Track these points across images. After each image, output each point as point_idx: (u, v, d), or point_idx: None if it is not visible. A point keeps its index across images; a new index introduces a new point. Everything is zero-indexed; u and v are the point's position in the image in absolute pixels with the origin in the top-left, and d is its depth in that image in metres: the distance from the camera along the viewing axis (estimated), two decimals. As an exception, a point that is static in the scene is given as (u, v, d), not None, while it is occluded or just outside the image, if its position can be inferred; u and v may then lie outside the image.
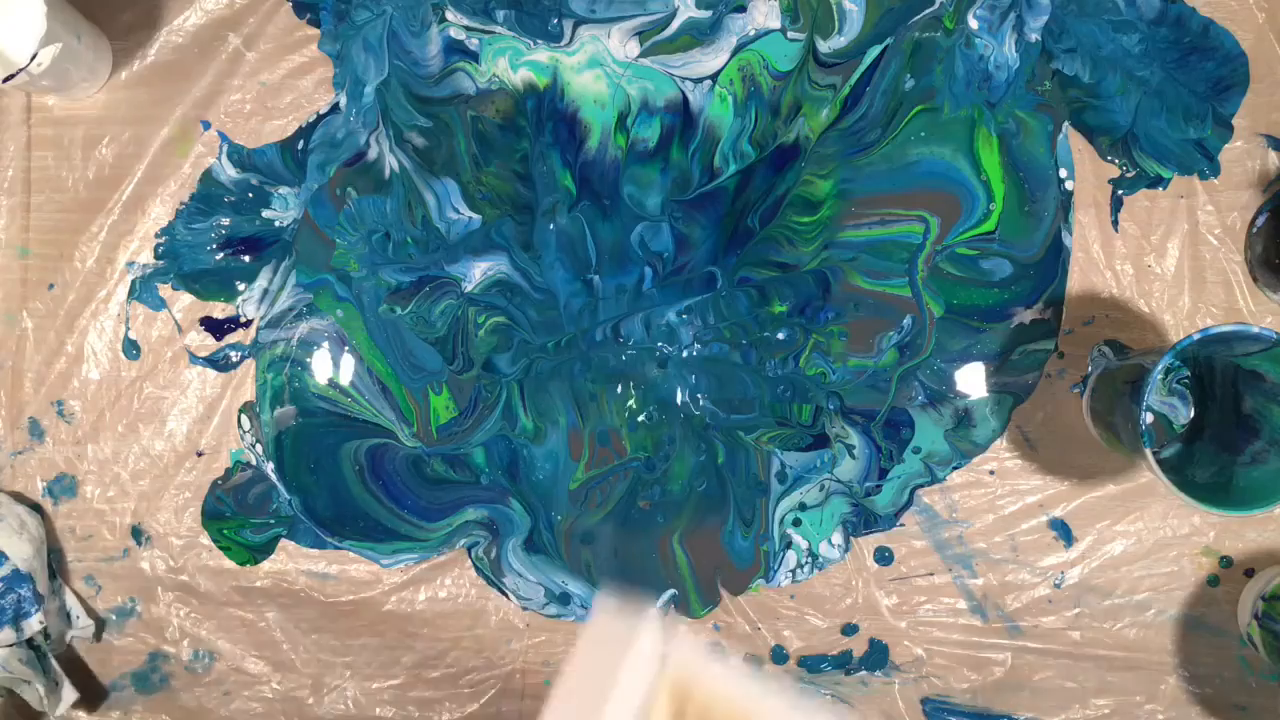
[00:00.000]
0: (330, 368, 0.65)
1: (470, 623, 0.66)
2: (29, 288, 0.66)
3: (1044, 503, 0.65)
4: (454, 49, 0.64)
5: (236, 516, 0.66)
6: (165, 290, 0.65)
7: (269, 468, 0.66)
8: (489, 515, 0.66)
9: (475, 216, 0.65)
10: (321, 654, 0.66)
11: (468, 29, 0.64)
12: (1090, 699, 0.65)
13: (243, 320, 0.66)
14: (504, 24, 0.64)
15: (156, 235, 0.65)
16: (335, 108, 0.65)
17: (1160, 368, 0.55)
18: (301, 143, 0.65)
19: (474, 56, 0.64)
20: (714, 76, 0.64)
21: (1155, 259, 0.65)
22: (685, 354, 0.65)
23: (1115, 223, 0.65)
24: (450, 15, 0.64)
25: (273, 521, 0.66)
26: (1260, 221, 0.64)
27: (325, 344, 0.65)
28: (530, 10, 0.64)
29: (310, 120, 0.65)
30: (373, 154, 0.65)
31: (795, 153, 0.64)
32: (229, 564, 0.66)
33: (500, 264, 0.65)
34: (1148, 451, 0.55)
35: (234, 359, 0.66)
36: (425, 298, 0.65)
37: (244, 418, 0.66)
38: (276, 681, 0.66)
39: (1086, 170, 0.65)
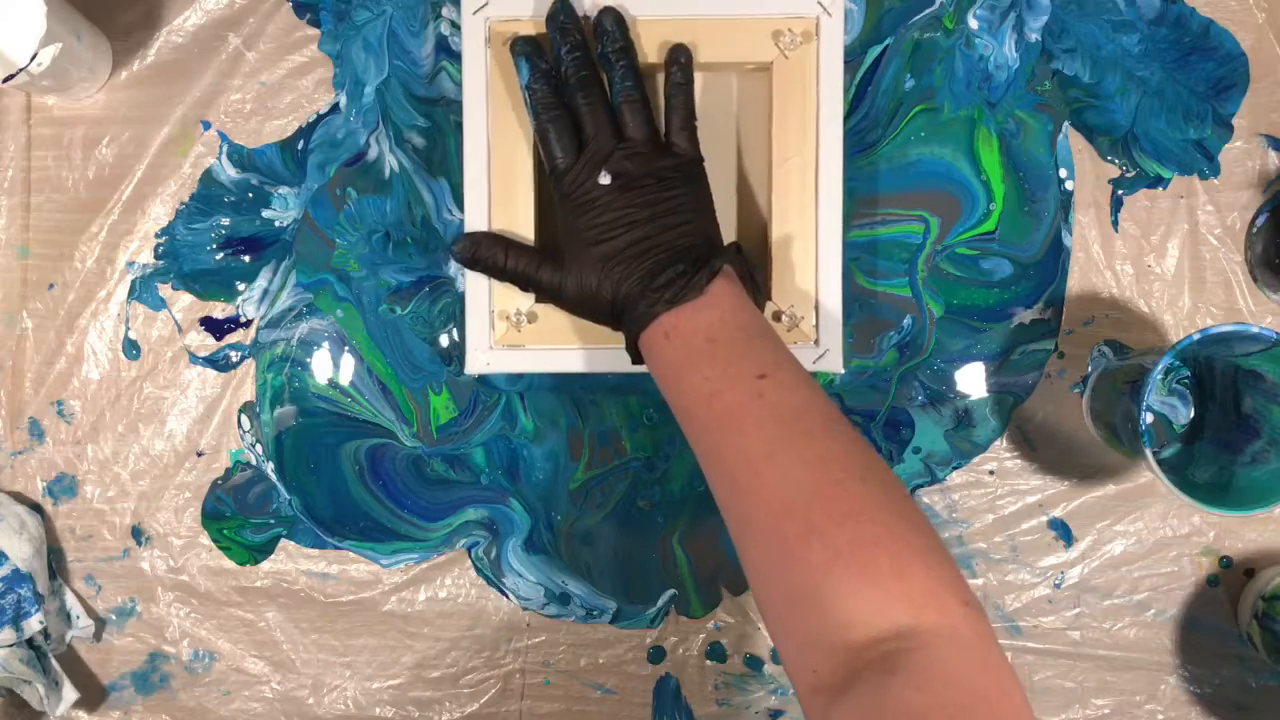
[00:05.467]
0: (330, 368, 0.65)
1: (470, 623, 0.66)
2: (29, 288, 0.66)
3: (1044, 503, 0.65)
4: (442, 48, 0.64)
5: (236, 516, 0.66)
6: (165, 290, 0.65)
7: (269, 468, 0.66)
8: (489, 515, 0.66)
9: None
10: (321, 654, 0.66)
11: (454, 25, 0.64)
12: (1090, 699, 0.65)
13: (243, 320, 0.66)
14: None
15: (156, 235, 0.65)
16: (335, 108, 0.65)
17: (1160, 368, 0.55)
18: (301, 143, 0.65)
19: (457, 57, 0.64)
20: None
21: (1155, 259, 0.65)
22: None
23: (1115, 223, 0.65)
24: (446, 12, 0.64)
25: (273, 521, 0.66)
26: (1260, 221, 0.64)
27: (325, 344, 0.65)
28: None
29: (310, 120, 0.65)
30: (373, 154, 0.65)
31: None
32: (229, 564, 0.66)
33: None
34: (1148, 451, 0.55)
35: (234, 359, 0.66)
36: (425, 298, 0.65)
37: (244, 418, 0.66)
38: (276, 681, 0.66)
39: (1086, 170, 0.65)
